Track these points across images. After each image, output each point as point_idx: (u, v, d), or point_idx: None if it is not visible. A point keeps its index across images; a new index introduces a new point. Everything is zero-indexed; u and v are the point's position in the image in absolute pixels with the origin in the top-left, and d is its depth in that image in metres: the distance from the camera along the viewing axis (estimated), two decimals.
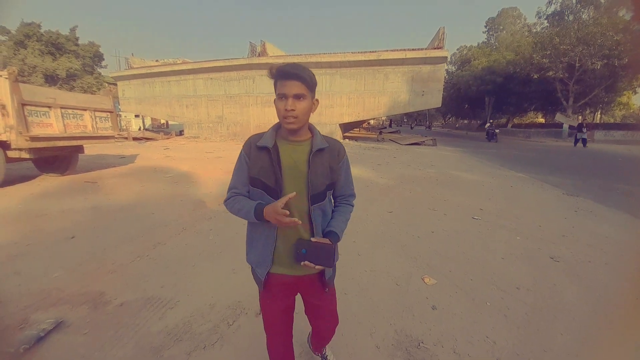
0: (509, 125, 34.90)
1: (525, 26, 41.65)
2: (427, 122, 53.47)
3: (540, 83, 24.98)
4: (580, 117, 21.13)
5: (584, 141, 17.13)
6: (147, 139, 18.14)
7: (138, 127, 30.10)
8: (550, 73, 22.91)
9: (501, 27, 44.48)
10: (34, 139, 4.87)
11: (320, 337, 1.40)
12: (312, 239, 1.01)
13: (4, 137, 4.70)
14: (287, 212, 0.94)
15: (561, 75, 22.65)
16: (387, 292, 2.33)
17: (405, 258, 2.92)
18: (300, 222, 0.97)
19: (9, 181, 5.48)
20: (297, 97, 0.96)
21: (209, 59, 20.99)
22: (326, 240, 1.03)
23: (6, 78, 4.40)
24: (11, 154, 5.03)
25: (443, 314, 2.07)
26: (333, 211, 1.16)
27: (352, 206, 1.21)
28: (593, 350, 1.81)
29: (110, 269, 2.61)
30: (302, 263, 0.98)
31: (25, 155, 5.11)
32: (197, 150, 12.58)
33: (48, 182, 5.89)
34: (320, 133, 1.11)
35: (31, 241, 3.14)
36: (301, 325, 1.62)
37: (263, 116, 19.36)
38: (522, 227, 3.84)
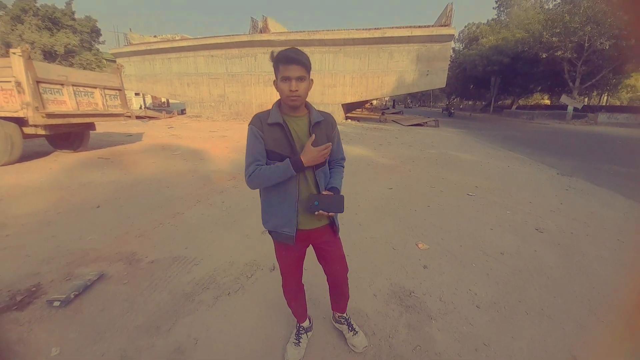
0: (514, 106, 34.46)
1: (537, 2, 40.04)
2: (449, 107, 41.26)
3: (548, 63, 24.42)
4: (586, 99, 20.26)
5: None
6: (150, 117, 18.20)
7: (139, 106, 29.94)
8: (559, 53, 22.38)
9: (512, 3, 42.73)
10: (50, 115, 5.07)
11: (336, 285, 1.55)
12: (323, 192, 1.24)
13: (21, 114, 4.91)
14: (328, 145, 1.18)
15: (569, 56, 22.13)
16: (384, 254, 2.63)
17: (402, 228, 3.21)
18: (330, 143, 1.21)
19: (24, 157, 5.73)
20: (299, 79, 1.12)
21: (208, 35, 20.61)
22: (332, 193, 1.26)
23: (20, 56, 4.53)
24: (27, 130, 5.25)
25: (433, 272, 2.38)
26: (330, 172, 1.38)
27: (343, 167, 1.45)
28: (562, 302, 2.10)
29: (137, 234, 2.91)
30: (316, 213, 1.20)
31: (40, 131, 5.33)
32: (201, 129, 12.72)
33: (63, 157, 6.15)
34: (314, 108, 1.28)
35: (61, 210, 3.44)
36: (311, 279, 1.91)
37: (265, 95, 19.27)
38: (513, 203, 4.10)
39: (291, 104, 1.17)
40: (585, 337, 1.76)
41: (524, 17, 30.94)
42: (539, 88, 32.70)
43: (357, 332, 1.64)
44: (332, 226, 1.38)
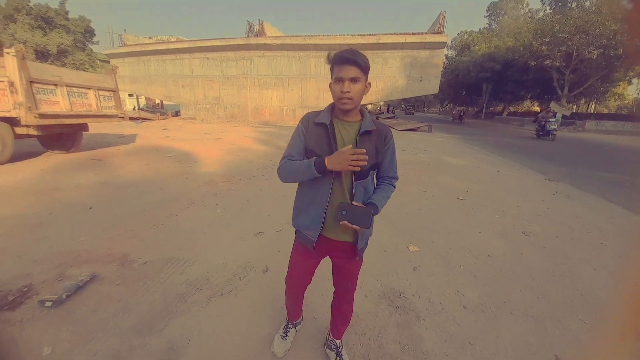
0: (505, 113, 35.13)
1: (528, 12, 41.16)
2: (460, 112, 34.60)
3: (538, 71, 25.08)
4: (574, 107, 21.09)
5: None
6: (144, 119, 18.06)
7: (132, 107, 29.71)
8: (548, 61, 22.98)
9: (503, 12, 43.83)
10: (43, 116, 5.03)
11: (340, 300, 1.47)
12: (353, 202, 1.12)
13: (13, 114, 4.86)
14: (362, 150, 1.02)
15: (558, 64, 22.74)
16: (375, 256, 2.68)
17: (394, 231, 3.27)
18: (365, 150, 1.03)
19: (15, 157, 5.66)
20: (353, 80, 1.05)
21: (203, 37, 20.64)
22: (364, 206, 1.13)
23: (14, 55, 4.50)
24: (19, 130, 5.20)
25: (422, 273, 2.43)
26: (375, 188, 1.25)
27: (394, 187, 1.29)
28: (545, 303, 2.18)
29: (130, 235, 2.91)
30: (340, 223, 1.09)
31: (32, 132, 5.28)
32: (196, 131, 12.68)
33: (54, 158, 6.08)
34: (369, 116, 1.19)
35: (52, 211, 3.41)
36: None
37: (260, 99, 19.29)
38: (502, 207, 4.20)
39: (342, 107, 1.09)
40: (567, 336, 1.83)
41: (514, 26, 31.75)
42: (529, 95, 33.44)
43: None
44: (355, 245, 1.25)
